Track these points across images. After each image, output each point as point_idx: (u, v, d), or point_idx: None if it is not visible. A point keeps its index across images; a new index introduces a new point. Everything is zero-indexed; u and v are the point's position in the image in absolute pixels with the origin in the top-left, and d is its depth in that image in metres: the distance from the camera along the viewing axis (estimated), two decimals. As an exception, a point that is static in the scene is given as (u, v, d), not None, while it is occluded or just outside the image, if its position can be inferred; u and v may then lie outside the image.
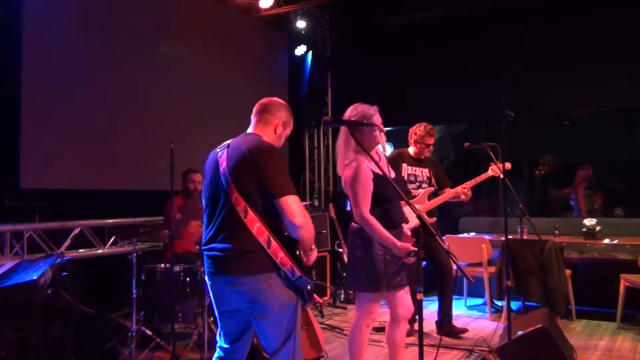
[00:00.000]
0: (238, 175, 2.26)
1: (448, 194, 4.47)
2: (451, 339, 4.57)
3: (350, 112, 2.98)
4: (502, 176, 3.88)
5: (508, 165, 4.34)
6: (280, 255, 2.22)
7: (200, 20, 6.37)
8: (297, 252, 2.32)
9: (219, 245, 2.29)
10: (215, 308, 2.45)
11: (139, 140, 5.48)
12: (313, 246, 2.39)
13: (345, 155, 3.00)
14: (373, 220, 2.88)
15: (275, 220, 2.25)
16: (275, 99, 2.54)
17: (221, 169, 2.32)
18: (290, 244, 2.28)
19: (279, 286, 2.26)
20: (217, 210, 2.32)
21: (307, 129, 8.08)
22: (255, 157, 2.25)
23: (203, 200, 2.45)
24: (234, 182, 2.26)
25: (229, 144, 2.41)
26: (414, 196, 4.47)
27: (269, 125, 2.46)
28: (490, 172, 4.43)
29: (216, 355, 2.50)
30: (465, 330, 4.71)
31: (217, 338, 2.51)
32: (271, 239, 2.22)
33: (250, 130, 2.48)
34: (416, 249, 2.81)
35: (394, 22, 7.43)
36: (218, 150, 2.44)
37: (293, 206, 2.21)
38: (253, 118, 2.50)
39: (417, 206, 4.35)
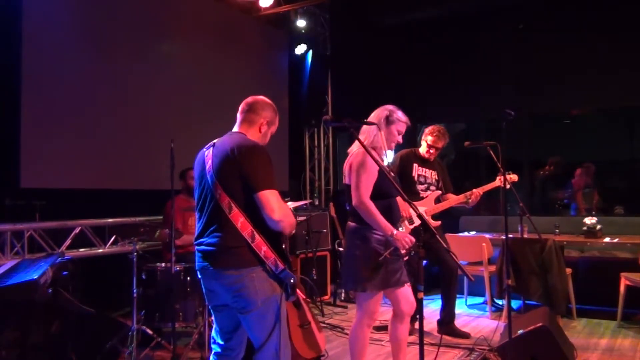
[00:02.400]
0: (222, 173, 2.35)
1: (455, 199, 4.46)
2: (452, 338, 4.57)
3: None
4: (507, 186, 3.76)
5: (515, 177, 4.34)
6: (263, 248, 2.29)
7: (200, 20, 6.37)
8: (283, 246, 2.39)
9: (207, 240, 2.39)
10: (207, 303, 2.51)
11: (139, 139, 5.48)
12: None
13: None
14: (372, 205, 2.90)
15: (259, 215, 2.30)
16: (261, 97, 2.60)
17: (207, 167, 2.42)
18: (274, 237, 2.35)
19: (262, 280, 2.32)
20: (205, 206, 2.43)
21: (308, 128, 8.08)
22: (238, 154, 2.32)
23: (195, 197, 2.54)
24: (218, 179, 2.35)
25: (214, 143, 2.49)
26: (422, 197, 4.47)
27: (254, 124, 2.53)
28: (498, 182, 4.40)
29: (213, 352, 2.54)
30: (467, 336, 4.58)
31: (213, 334, 2.56)
32: (255, 233, 2.29)
33: (235, 129, 2.56)
34: (414, 239, 2.83)
35: (394, 21, 7.43)
36: (205, 149, 2.52)
37: (271, 200, 2.27)
38: (238, 116, 2.58)
39: (423, 208, 4.36)
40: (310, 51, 7.87)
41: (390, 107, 3.15)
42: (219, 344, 2.53)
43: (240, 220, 2.30)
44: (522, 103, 6.42)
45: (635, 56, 5.85)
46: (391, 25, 7.48)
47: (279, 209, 2.28)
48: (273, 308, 2.33)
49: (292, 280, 2.33)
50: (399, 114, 3.12)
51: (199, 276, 2.48)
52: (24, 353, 3.29)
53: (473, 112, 7.17)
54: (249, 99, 2.58)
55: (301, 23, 7.48)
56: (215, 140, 2.52)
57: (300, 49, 7.74)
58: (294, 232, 2.48)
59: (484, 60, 6.76)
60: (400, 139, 3.16)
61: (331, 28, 7.98)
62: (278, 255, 2.32)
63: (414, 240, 2.84)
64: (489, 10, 6.71)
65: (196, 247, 2.45)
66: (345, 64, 7.84)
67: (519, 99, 6.50)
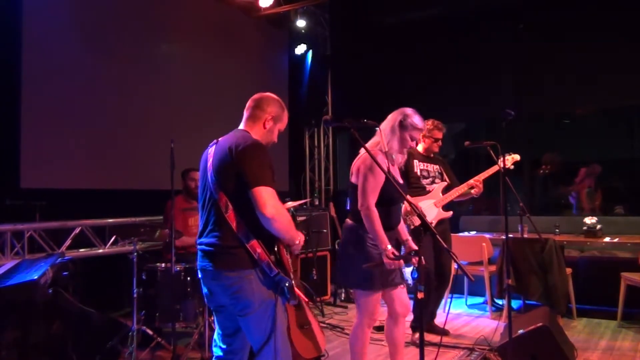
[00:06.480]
0: (220, 172, 2.34)
1: (461, 187, 4.45)
2: (452, 338, 4.57)
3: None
4: (502, 168, 3.82)
5: (516, 156, 4.37)
6: (258, 250, 2.28)
7: (200, 20, 6.37)
8: (276, 249, 2.37)
9: (206, 239, 2.39)
10: (207, 304, 2.51)
11: (139, 140, 5.48)
12: (297, 241, 2.40)
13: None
14: (376, 214, 2.88)
15: (255, 215, 2.26)
16: (268, 94, 2.56)
17: (208, 165, 2.42)
18: (269, 240, 2.33)
19: (259, 283, 2.31)
20: (205, 205, 2.43)
21: (307, 129, 8.08)
22: (236, 152, 2.29)
23: (198, 196, 2.54)
24: (216, 178, 2.35)
25: (217, 141, 2.48)
26: (429, 191, 4.46)
27: (259, 120, 2.49)
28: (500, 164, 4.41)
29: (214, 356, 2.51)
30: (447, 333, 4.64)
31: (215, 338, 2.53)
32: (249, 234, 2.29)
33: (241, 126, 2.53)
34: (402, 263, 2.82)
35: (393, 21, 7.44)
36: (209, 147, 2.51)
37: (264, 197, 2.22)
38: (245, 113, 2.54)
39: (432, 200, 4.37)
40: (310, 51, 7.87)
41: (407, 110, 3.06)
42: (220, 348, 2.49)
43: (236, 220, 2.29)
44: (522, 103, 6.42)
45: (635, 56, 5.85)
46: (391, 25, 7.48)
47: (272, 206, 2.23)
48: (270, 311, 2.31)
49: (287, 284, 2.29)
50: (415, 120, 3.04)
51: (200, 276, 2.46)
52: (24, 353, 3.28)
53: (473, 112, 7.16)
54: (256, 96, 2.54)
55: (301, 23, 7.49)
56: (219, 138, 2.49)
57: (300, 49, 7.74)
58: (293, 240, 2.38)
59: (484, 60, 6.75)
60: (413, 144, 3.15)
61: (331, 28, 7.98)
62: (273, 259, 2.30)
63: (402, 264, 2.83)
64: (489, 11, 6.71)
65: (197, 247, 2.45)
66: (345, 64, 7.84)
67: (519, 99, 6.50)
